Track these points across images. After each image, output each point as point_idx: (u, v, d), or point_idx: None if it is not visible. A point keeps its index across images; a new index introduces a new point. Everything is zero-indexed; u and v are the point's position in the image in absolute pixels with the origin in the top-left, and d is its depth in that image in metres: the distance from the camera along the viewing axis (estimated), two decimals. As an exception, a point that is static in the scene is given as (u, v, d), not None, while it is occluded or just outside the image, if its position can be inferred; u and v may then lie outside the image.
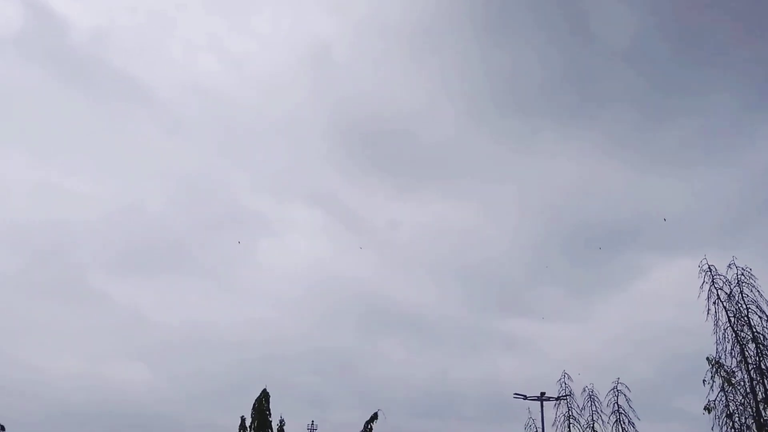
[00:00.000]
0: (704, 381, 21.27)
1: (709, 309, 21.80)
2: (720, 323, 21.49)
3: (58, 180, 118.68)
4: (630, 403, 26.12)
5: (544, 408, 33.62)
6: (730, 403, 20.62)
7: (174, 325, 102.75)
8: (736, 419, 20.34)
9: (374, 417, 25.21)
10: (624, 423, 25.77)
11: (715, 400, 20.94)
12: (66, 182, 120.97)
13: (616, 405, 26.13)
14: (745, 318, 21.12)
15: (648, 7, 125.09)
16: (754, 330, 20.80)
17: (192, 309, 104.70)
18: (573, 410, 28.29)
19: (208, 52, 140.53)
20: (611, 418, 26.25)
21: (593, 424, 27.04)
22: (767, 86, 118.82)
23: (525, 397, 35.95)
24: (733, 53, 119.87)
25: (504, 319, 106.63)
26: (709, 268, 22.42)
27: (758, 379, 20.21)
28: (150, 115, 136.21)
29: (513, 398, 37.36)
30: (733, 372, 20.87)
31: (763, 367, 20.26)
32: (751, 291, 21.32)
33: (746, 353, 20.69)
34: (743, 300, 21.32)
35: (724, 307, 21.60)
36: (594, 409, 27.27)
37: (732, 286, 21.70)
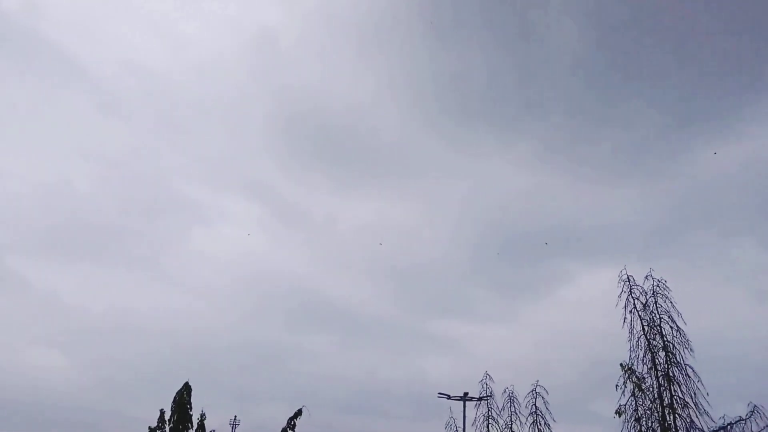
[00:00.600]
0: (617, 386, 22.26)
1: (625, 317, 22.84)
2: (635, 331, 22.54)
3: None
4: (547, 405, 27.07)
5: (466, 408, 34.18)
6: (639, 408, 21.64)
7: (95, 312, 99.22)
8: (644, 423, 21.36)
9: (298, 413, 25.03)
10: (540, 424, 26.65)
11: (625, 405, 21.93)
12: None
13: (534, 407, 27.00)
14: (658, 327, 22.19)
15: (591, 21, 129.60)
16: (665, 339, 21.89)
17: (116, 295, 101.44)
18: (493, 411, 29.11)
19: (150, 30, 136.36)
20: (529, 419, 27.12)
21: (511, 424, 27.87)
22: (698, 105, 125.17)
23: (449, 397, 36.41)
24: (667, 71, 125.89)
25: (435, 320, 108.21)
26: (628, 278, 23.49)
27: (666, 385, 21.28)
28: (83, 90, 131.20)
29: (438, 398, 37.77)
30: (644, 378, 21.91)
31: (671, 374, 21.35)
32: (665, 302, 22.46)
33: (656, 361, 21.75)
34: (657, 310, 22.41)
35: (639, 316, 22.64)
36: (513, 410, 28.11)
37: (648, 297, 22.78)
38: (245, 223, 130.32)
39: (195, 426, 24.35)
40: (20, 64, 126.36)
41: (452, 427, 30.58)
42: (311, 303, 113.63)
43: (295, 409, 25.18)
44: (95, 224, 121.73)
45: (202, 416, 24.51)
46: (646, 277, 23.10)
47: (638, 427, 21.35)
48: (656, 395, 21.32)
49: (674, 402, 20.92)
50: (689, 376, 21.04)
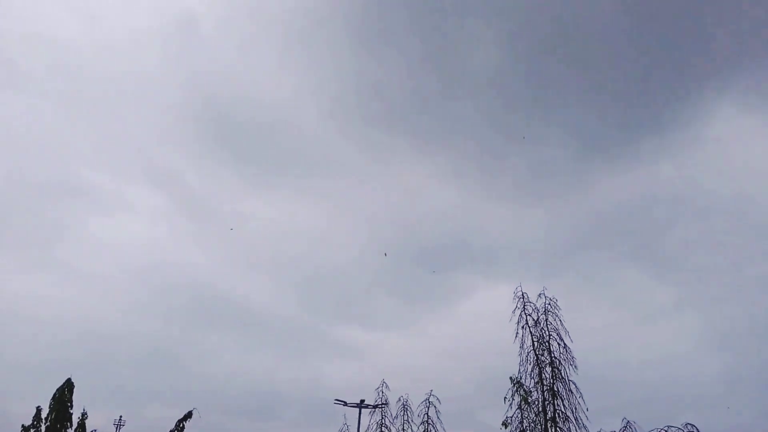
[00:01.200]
0: (505, 398, 23.24)
1: (518, 333, 23.92)
2: (525, 346, 23.65)
3: None
4: (439, 414, 27.85)
5: (362, 415, 34.43)
6: (525, 420, 22.68)
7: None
8: (528, 434, 22.40)
9: (188, 415, 24.41)
10: (431, 433, 27.29)
11: (512, 417, 22.92)
12: None
13: (426, 416, 27.64)
14: (547, 343, 23.37)
15: (512, 40, 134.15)
16: (552, 355, 23.08)
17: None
18: (387, 418, 29.55)
19: (61, 2, 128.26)
20: (420, 427, 27.73)
21: (403, 432, 28.37)
22: (604, 132, 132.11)
23: (345, 404, 36.47)
24: (580, 97, 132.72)
25: (338, 325, 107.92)
26: (523, 294, 24.62)
27: (550, 399, 22.41)
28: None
29: (334, 404, 37.78)
30: (531, 392, 22.99)
31: (555, 389, 22.51)
32: (555, 319, 23.72)
33: (543, 375, 22.88)
34: (547, 327, 23.61)
35: (531, 332, 23.76)
36: (406, 418, 28.68)
37: (539, 314, 23.95)
38: (147, 213, 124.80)
39: (75, 425, 23.13)
40: None
41: (346, 433, 30.73)
42: (211, 300, 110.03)
43: (185, 411, 24.55)
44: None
45: (83, 415, 23.36)
46: (539, 295, 24.34)
47: (522, 438, 22.35)
48: (540, 408, 22.41)
49: (556, 416, 22.05)
50: (572, 392, 22.29)
